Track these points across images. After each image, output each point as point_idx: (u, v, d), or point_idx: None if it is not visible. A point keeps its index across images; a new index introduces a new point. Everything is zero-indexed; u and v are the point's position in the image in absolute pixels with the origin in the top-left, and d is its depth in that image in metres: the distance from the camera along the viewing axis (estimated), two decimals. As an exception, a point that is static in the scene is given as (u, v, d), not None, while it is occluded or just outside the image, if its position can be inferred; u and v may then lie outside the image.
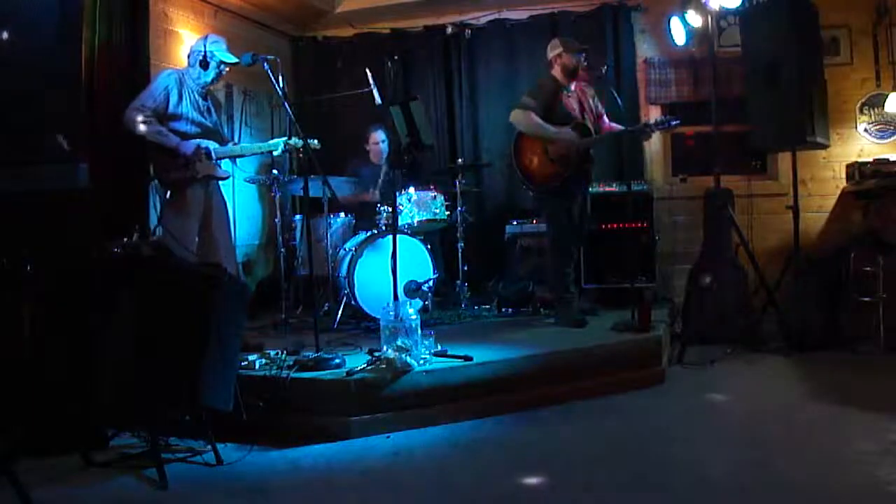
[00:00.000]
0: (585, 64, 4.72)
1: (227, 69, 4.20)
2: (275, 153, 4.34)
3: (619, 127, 4.82)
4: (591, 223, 5.05)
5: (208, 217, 4.17)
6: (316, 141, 4.46)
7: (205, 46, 4.11)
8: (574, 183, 4.73)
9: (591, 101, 4.86)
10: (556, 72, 4.75)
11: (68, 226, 3.41)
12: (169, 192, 4.08)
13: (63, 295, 3.26)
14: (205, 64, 4.10)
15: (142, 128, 3.93)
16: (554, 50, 4.76)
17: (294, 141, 4.30)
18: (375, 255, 4.84)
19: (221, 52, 4.12)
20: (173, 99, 4.03)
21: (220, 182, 4.32)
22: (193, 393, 3.01)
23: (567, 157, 4.65)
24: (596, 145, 4.83)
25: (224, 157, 4.23)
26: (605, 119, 4.90)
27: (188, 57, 4.21)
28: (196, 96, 4.16)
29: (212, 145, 4.15)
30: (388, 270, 4.00)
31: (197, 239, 4.09)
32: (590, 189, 5.02)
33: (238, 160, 4.46)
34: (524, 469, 3.00)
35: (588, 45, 4.85)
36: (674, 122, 4.55)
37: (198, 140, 4.10)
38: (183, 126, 4.08)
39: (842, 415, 3.45)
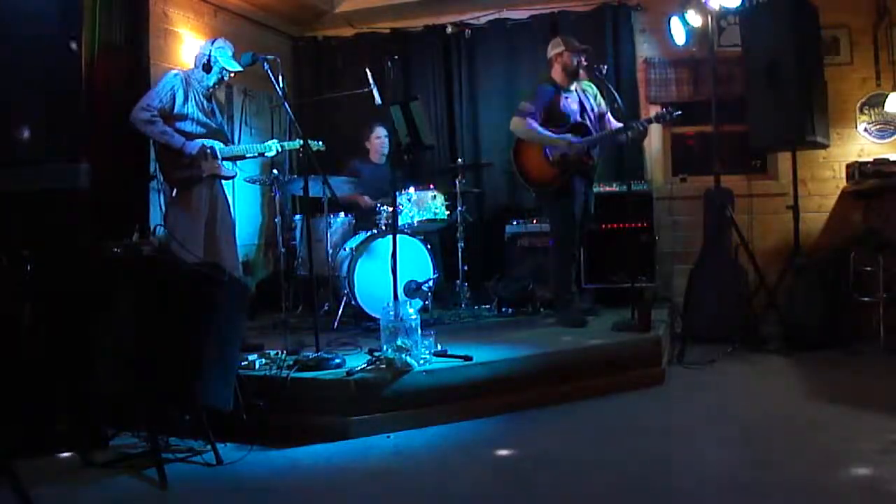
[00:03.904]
0: (585, 63, 4.72)
1: (231, 75, 4.24)
2: (267, 154, 4.35)
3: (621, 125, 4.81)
4: (592, 223, 5.05)
5: (213, 216, 4.20)
6: (321, 143, 4.47)
7: (210, 51, 4.15)
8: (575, 184, 4.72)
9: (592, 100, 4.85)
10: (556, 71, 4.74)
11: (68, 226, 3.41)
12: (175, 191, 4.11)
13: (63, 295, 3.26)
14: (207, 67, 4.16)
15: (147, 127, 3.97)
16: (555, 49, 4.75)
17: (289, 144, 4.37)
18: (375, 255, 4.84)
19: (225, 59, 4.15)
20: (179, 99, 4.07)
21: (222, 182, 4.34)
22: (193, 392, 3.01)
23: (566, 159, 4.65)
24: (599, 144, 4.83)
25: (229, 158, 4.26)
26: (609, 118, 4.89)
27: (194, 59, 4.25)
28: (201, 97, 4.20)
29: (217, 145, 4.19)
30: (388, 270, 4.00)
31: (202, 238, 4.11)
32: (594, 189, 5.02)
33: (238, 161, 4.47)
34: (524, 469, 3.00)
35: (589, 45, 4.85)
36: (676, 114, 4.54)
37: (202, 140, 4.13)
38: (188, 126, 4.11)
39: (842, 415, 3.45)
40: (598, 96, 4.90)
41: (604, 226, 5.39)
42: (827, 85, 5.14)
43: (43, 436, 3.19)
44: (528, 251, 5.67)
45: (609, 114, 4.90)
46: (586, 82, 4.87)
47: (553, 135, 4.62)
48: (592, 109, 4.82)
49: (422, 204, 5.17)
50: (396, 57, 5.08)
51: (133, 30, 4.49)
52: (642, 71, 6.05)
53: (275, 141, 4.40)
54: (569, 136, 4.62)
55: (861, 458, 2.85)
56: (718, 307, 4.97)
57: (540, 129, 4.62)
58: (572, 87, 4.78)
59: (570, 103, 4.75)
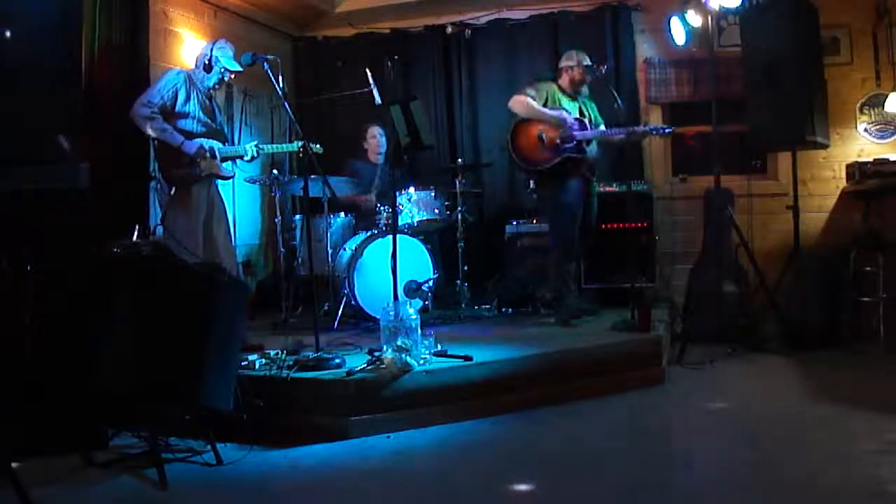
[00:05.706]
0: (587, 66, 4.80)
1: (231, 76, 4.26)
2: (245, 157, 4.35)
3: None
4: (594, 225, 5.06)
5: (210, 216, 4.21)
6: (317, 145, 4.47)
7: (211, 51, 4.18)
8: (570, 182, 4.75)
9: (590, 112, 4.94)
10: (564, 81, 4.89)
11: (68, 226, 3.41)
12: (173, 189, 4.11)
13: (63, 295, 3.25)
14: (208, 67, 4.18)
15: (147, 123, 3.98)
16: (568, 61, 4.88)
17: (269, 147, 4.43)
18: (375, 255, 4.85)
19: (226, 59, 4.18)
20: (181, 97, 4.09)
21: (219, 182, 4.34)
22: (193, 393, 3.01)
23: (560, 146, 4.67)
24: (593, 140, 4.85)
25: (228, 158, 4.26)
26: (602, 127, 4.94)
27: (195, 59, 4.28)
28: (203, 97, 4.22)
29: (216, 145, 4.20)
30: (388, 270, 4.00)
31: (201, 236, 4.11)
32: (595, 189, 5.04)
33: (238, 160, 4.47)
34: (524, 469, 3.00)
35: (597, 58, 4.95)
36: (666, 131, 4.64)
37: (201, 140, 4.14)
38: (189, 125, 4.12)
39: (842, 414, 3.45)
40: (595, 110, 5.00)
41: (604, 226, 5.38)
42: (827, 85, 5.15)
43: (43, 436, 3.19)
44: (528, 251, 5.66)
45: (603, 125, 4.95)
46: (587, 100, 4.96)
47: (549, 110, 4.69)
48: (590, 119, 4.89)
49: (422, 204, 5.17)
50: (396, 57, 5.09)
51: (133, 30, 4.49)
52: (642, 71, 6.05)
53: (252, 144, 4.40)
54: (565, 113, 4.66)
55: (861, 458, 2.86)
56: (718, 307, 4.97)
57: (537, 105, 4.70)
58: (575, 100, 4.88)
59: (571, 107, 4.83)
